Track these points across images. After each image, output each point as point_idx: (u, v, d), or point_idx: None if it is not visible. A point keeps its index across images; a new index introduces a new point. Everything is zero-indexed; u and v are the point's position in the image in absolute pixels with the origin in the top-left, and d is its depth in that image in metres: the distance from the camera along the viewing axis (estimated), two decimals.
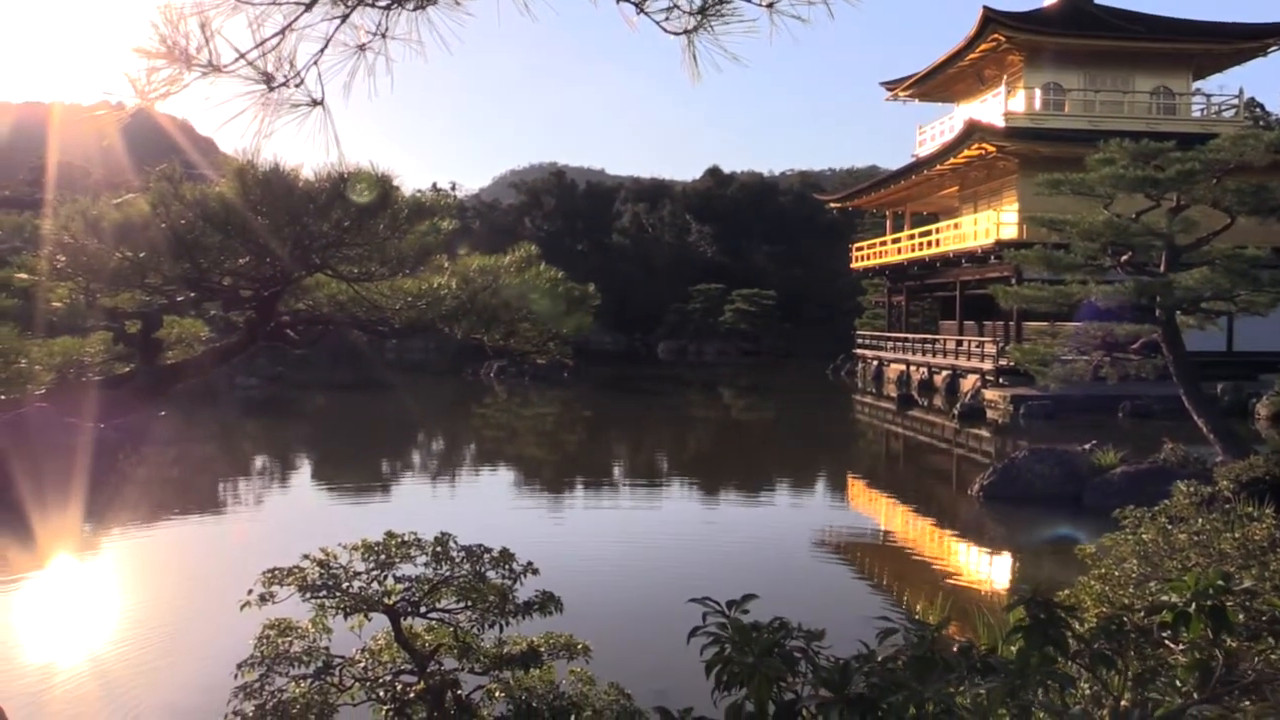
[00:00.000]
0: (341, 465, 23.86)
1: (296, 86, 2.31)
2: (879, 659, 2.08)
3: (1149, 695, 2.53)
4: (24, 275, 4.98)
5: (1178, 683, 2.59)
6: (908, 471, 24.37)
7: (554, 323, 5.51)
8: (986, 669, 2.10)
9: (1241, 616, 2.93)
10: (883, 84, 46.96)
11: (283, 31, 2.22)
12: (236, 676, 5.08)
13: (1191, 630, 2.35)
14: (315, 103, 2.34)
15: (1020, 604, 2.26)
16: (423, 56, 2.27)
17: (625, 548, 14.12)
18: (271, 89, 2.30)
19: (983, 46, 37.54)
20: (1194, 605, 2.29)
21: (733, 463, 25.26)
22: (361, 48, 2.29)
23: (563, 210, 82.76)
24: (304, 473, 24.04)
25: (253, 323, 5.43)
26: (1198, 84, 39.64)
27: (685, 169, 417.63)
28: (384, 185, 4.68)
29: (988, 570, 13.94)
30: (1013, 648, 2.89)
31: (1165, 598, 2.45)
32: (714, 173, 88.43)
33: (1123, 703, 2.63)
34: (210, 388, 34.36)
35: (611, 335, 69.23)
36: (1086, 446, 18.19)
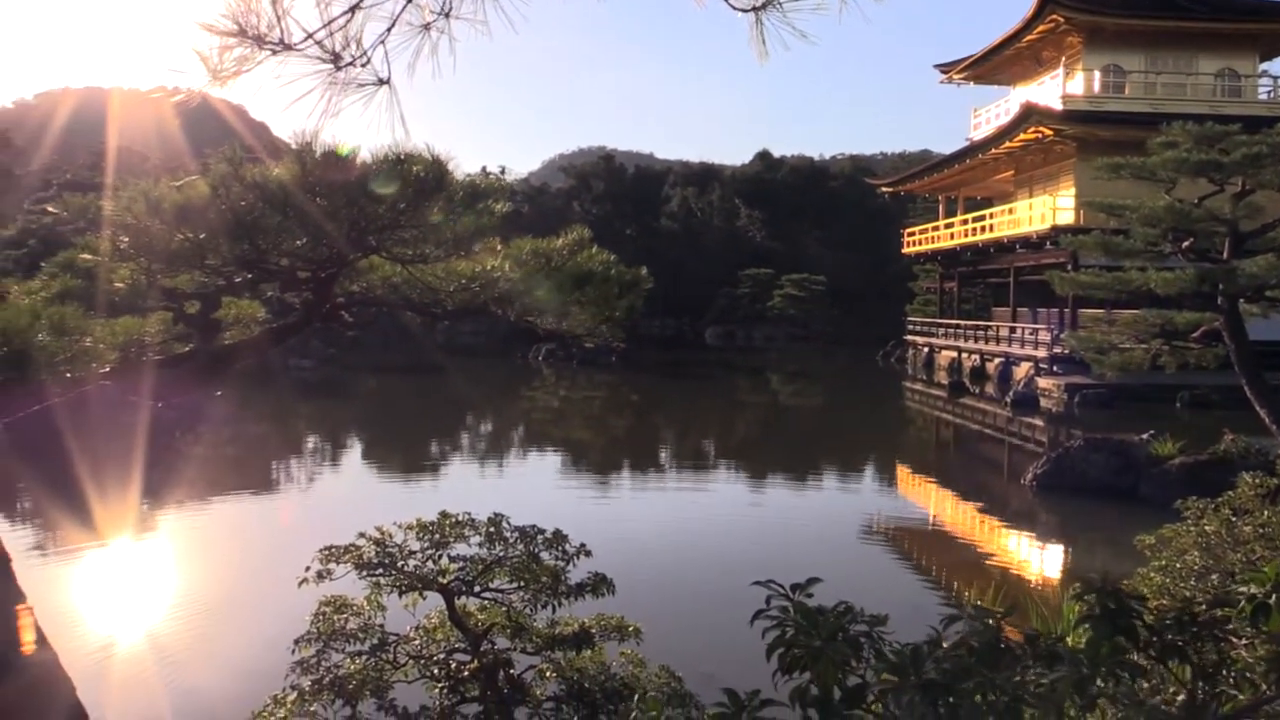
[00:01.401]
0: (394, 446, 24.14)
1: (363, 66, 2.32)
2: (944, 645, 2.06)
3: (1220, 689, 2.47)
4: (87, 256, 5.07)
5: (1248, 675, 2.53)
6: (959, 460, 24.11)
7: (602, 307, 5.48)
8: (1053, 658, 2.07)
9: None
10: (937, 66, 46.26)
11: (351, 10, 2.23)
12: (294, 651, 5.16)
13: (1271, 623, 2.29)
14: (381, 82, 2.35)
15: (1090, 592, 2.22)
16: (488, 36, 2.27)
17: (672, 531, 14.13)
18: (339, 68, 2.30)
19: (1041, 28, 36.79)
20: (1274, 596, 2.23)
21: (781, 448, 25.17)
22: (426, 27, 2.29)
23: (611, 194, 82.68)
24: (357, 453, 24.36)
25: (309, 304, 5.48)
26: (1264, 65, 38.55)
27: (735, 153, 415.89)
28: (440, 168, 4.70)
29: (1040, 561, 13.77)
30: (1068, 639, 2.84)
31: (1243, 589, 2.39)
32: (764, 156, 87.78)
33: (1182, 696, 2.57)
34: (265, 369, 34.90)
35: (660, 320, 69.17)
36: (1143, 436, 17.85)
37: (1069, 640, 2.93)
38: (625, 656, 5.53)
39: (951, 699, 1.80)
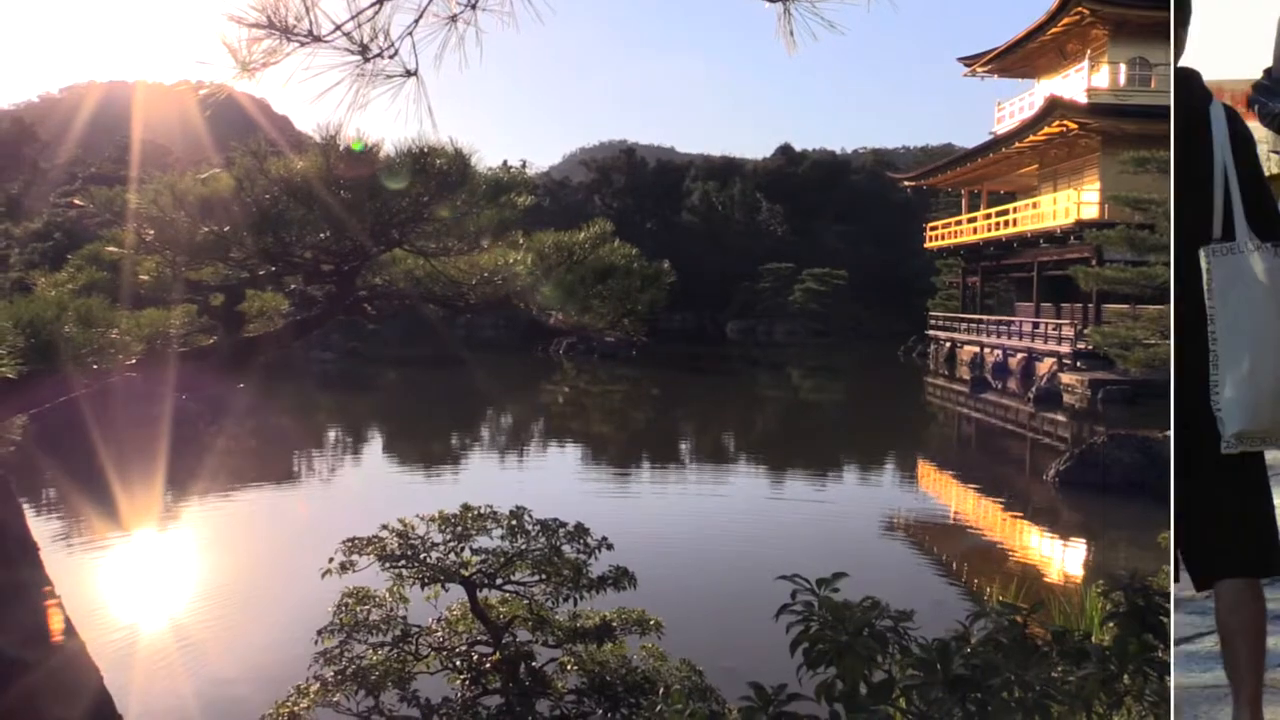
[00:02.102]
0: (415, 438, 24.24)
1: (390, 58, 2.33)
2: (971, 641, 2.05)
3: None
4: (112, 249, 5.10)
5: None
6: (980, 455, 23.98)
7: (624, 301, 5.46)
8: (1080, 655, 2.05)
9: None
10: (960, 59, 45.95)
11: (379, 2, 2.23)
12: (317, 642, 5.20)
13: None
14: (409, 74, 2.35)
15: (1116, 589, 2.20)
16: (515, 28, 2.27)
17: (693, 525, 14.13)
18: (367, 60, 2.31)
19: (1065, 20, 36.48)
20: None
21: (801, 443, 25.10)
22: (453, 19, 2.29)
23: (632, 188, 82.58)
24: (378, 445, 24.48)
25: (332, 297, 5.50)
26: None
27: (756, 147, 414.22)
28: (463, 161, 4.70)
29: (1063, 557, 13.68)
30: (1093, 636, 2.82)
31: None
32: (785, 150, 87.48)
33: None
34: (287, 361, 35.08)
35: (680, 314, 68.99)
36: (1168, 433, 17.71)
37: (1094, 637, 2.91)
38: (646, 650, 5.53)
39: (979, 695, 1.79)
